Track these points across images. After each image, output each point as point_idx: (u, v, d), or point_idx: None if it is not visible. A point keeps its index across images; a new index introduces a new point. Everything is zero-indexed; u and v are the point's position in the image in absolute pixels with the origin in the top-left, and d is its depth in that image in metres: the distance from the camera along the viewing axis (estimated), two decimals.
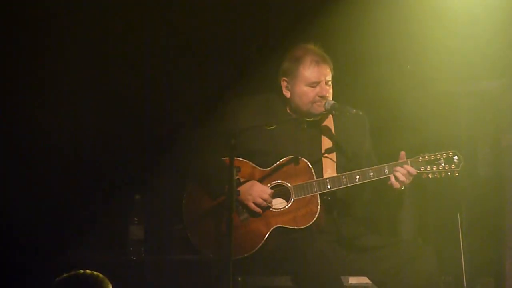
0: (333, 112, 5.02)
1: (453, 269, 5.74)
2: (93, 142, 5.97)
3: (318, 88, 5.03)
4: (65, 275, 3.25)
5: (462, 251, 5.68)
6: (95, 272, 3.28)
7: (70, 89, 5.95)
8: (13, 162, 5.82)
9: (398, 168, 4.93)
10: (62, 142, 5.95)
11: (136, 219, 5.48)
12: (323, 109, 5.03)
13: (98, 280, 3.24)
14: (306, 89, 5.06)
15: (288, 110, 5.14)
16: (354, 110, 4.98)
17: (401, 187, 4.96)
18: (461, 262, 5.67)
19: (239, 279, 4.90)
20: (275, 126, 4.93)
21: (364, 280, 4.93)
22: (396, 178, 4.93)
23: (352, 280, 4.93)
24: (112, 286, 3.33)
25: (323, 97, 5.02)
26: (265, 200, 4.97)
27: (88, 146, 5.97)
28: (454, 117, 5.96)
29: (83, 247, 5.72)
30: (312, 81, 5.04)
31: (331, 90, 5.06)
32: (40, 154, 5.87)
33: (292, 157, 5.01)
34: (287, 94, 5.11)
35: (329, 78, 5.05)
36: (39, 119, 5.90)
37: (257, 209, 4.98)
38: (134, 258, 5.44)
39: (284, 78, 5.11)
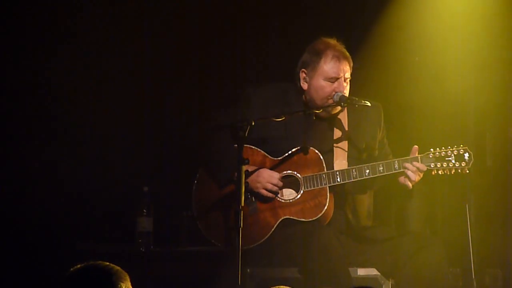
0: (342, 103, 5.01)
1: (461, 261, 5.73)
2: (101, 134, 5.97)
3: (336, 84, 5.02)
4: (79, 265, 3.23)
5: (470, 242, 5.66)
6: (110, 264, 3.26)
7: (78, 83, 5.97)
8: (21, 157, 5.84)
9: (408, 165, 4.91)
10: (71, 135, 5.97)
11: (144, 210, 5.48)
12: (333, 102, 5.01)
13: (112, 271, 3.22)
14: (324, 83, 5.04)
15: (303, 101, 5.12)
16: (362, 102, 4.97)
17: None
18: (470, 254, 5.66)
19: (248, 270, 4.90)
20: (283, 118, 4.89)
21: (373, 271, 4.93)
22: (408, 178, 4.92)
23: (361, 271, 4.93)
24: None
25: None
26: (275, 185, 4.96)
27: (97, 138, 5.98)
28: (463, 109, 5.96)
29: (92, 239, 5.73)
30: (331, 76, 5.02)
31: (348, 87, 5.04)
32: (48, 147, 5.89)
33: (302, 147, 4.99)
34: (304, 86, 5.09)
35: (347, 75, 5.04)
36: (47, 114, 5.92)
37: (269, 195, 4.96)
38: (143, 250, 5.45)
39: (303, 69, 5.09)
